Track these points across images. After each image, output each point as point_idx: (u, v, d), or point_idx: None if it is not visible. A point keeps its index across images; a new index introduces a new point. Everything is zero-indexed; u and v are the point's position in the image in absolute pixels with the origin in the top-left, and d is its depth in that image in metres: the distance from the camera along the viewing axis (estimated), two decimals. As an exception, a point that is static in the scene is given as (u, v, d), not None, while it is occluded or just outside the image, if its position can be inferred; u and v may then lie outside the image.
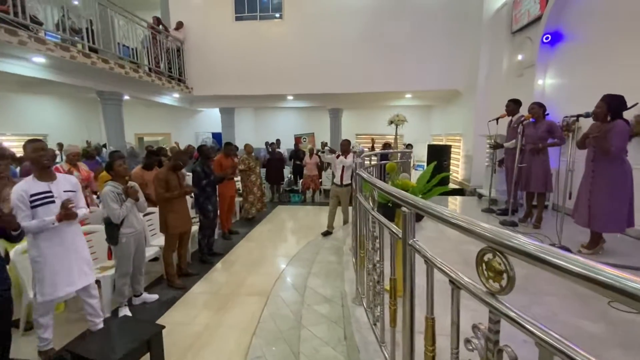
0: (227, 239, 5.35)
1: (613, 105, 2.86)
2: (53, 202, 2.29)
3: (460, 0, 7.52)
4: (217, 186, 4.71)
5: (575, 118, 3.04)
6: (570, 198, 3.20)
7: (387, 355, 1.51)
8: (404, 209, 1.17)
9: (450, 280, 0.89)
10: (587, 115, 2.98)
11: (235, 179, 5.97)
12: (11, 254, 2.74)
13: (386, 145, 7.91)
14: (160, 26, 7.77)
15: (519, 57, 5.87)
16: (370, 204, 1.72)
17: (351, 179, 4.88)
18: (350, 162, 4.97)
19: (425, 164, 8.97)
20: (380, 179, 4.93)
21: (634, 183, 2.95)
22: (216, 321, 2.97)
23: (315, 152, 8.56)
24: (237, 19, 8.71)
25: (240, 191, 6.51)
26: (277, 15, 8.65)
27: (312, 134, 11.54)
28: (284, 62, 8.48)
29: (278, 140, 9.75)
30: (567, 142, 3.54)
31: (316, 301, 2.90)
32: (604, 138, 2.86)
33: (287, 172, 9.36)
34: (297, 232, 5.90)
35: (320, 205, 7.71)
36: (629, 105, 2.86)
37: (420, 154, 9.87)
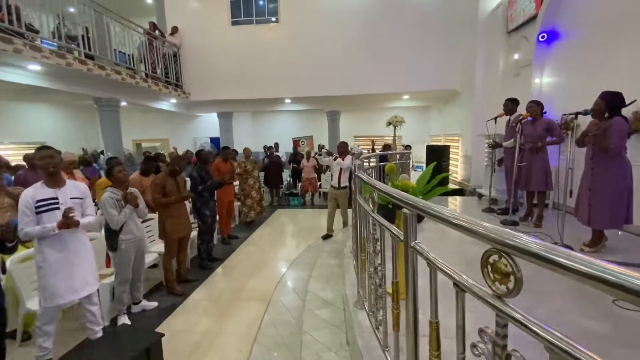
0: (226, 244, 5.31)
1: (611, 102, 2.85)
2: (58, 208, 2.30)
3: (455, 1, 7.55)
4: (215, 191, 4.67)
5: (573, 116, 3.02)
6: (571, 196, 3.18)
7: (390, 360, 1.48)
8: (404, 210, 1.14)
9: (454, 283, 0.86)
10: (585, 113, 2.97)
11: (235, 183, 5.94)
12: (7, 263, 2.70)
13: (386, 147, 7.90)
14: (157, 31, 7.77)
15: (516, 56, 5.88)
16: (370, 206, 1.69)
17: (349, 181, 4.87)
18: (348, 164, 4.95)
19: (424, 164, 8.96)
20: (380, 181, 4.93)
21: (634, 180, 2.93)
22: (216, 328, 2.93)
23: (312, 154, 8.55)
24: (234, 23, 8.73)
25: (239, 195, 6.48)
26: (273, 19, 8.67)
27: (311, 136, 11.54)
28: (281, 66, 8.48)
29: (276, 144, 9.73)
30: (566, 140, 3.52)
31: (317, 305, 2.86)
32: (603, 135, 2.84)
33: (286, 175, 9.34)
34: (297, 235, 5.86)
35: (319, 208, 7.68)
36: (627, 101, 2.85)
37: (418, 154, 9.88)
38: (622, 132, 2.81)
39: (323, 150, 5.92)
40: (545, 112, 3.93)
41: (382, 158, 5.42)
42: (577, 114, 2.99)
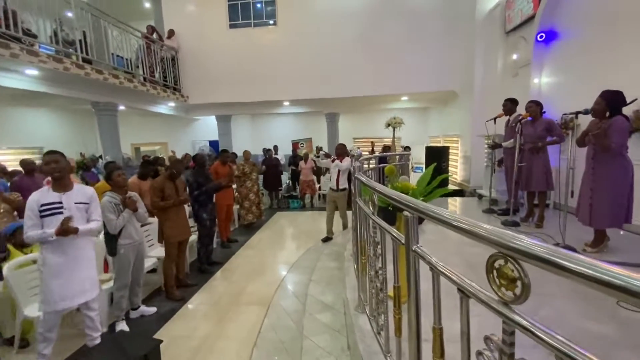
0: (226, 248, 5.28)
1: (612, 101, 2.84)
2: (61, 213, 2.31)
3: (453, 2, 7.56)
4: (213, 194, 4.64)
5: (574, 115, 3.01)
6: (572, 196, 3.16)
7: (392, 366, 1.45)
8: (405, 213, 1.12)
9: (458, 289, 0.84)
10: (586, 112, 2.95)
11: (233, 186, 5.92)
12: (4, 269, 2.68)
13: (386, 148, 7.89)
14: (155, 35, 7.76)
15: (514, 56, 5.88)
16: (371, 208, 1.67)
17: (349, 183, 4.84)
18: (346, 166, 4.92)
19: (423, 165, 8.95)
20: (379, 182, 4.91)
21: (635, 179, 2.91)
22: (216, 333, 2.90)
23: (311, 156, 8.53)
24: (232, 26, 8.73)
25: (237, 198, 6.45)
26: (271, 21, 8.67)
27: (310, 139, 11.52)
28: (279, 68, 8.48)
29: (275, 147, 9.71)
30: (567, 139, 3.51)
31: (318, 309, 2.83)
32: (604, 135, 2.83)
33: (286, 177, 9.31)
34: (297, 238, 5.83)
35: (319, 210, 7.65)
36: (628, 100, 2.84)
37: (418, 155, 9.86)
38: (623, 131, 2.79)
39: (321, 152, 5.89)
40: (544, 112, 3.91)
41: (382, 159, 5.39)
42: (577, 113, 2.98)
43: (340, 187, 4.98)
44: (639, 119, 3.52)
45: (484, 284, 0.80)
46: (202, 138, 12.13)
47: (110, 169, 3.21)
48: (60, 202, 2.32)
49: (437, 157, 7.25)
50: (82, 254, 2.45)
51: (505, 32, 6.14)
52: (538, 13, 4.97)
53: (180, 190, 3.76)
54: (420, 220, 3.08)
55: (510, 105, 4.41)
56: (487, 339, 0.75)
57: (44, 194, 2.31)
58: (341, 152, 5.09)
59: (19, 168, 5.10)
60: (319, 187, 8.46)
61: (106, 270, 3.47)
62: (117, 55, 6.56)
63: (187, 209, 4.46)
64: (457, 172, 8.21)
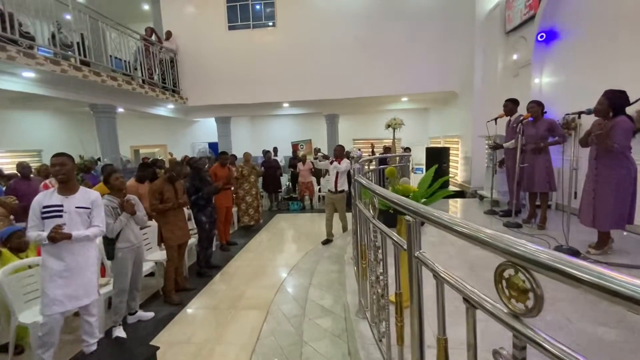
0: (225, 251, 5.23)
1: (615, 100, 2.80)
2: (60, 216, 2.30)
3: (452, 3, 7.54)
4: (212, 197, 4.60)
5: (577, 115, 2.96)
6: (575, 197, 3.11)
7: (395, 375, 1.40)
8: (407, 217, 1.07)
9: (464, 299, 0.79)
10: (589, 112, 2.91)
11: (232, 188, 5.86)
12: (-1, 274, 2.63)
13: (386, 149, 7.84)
14: (154, 37, 7.73)
15: (514, 56, 5.84)
16: (371, 212, 1.62)
17: (349, 185, 4.79)
18: (345, 168, 4.88)
19: (424, 166, 8.90)
20: (380, 184, 4.86)
21: (638, 180, 2.87)
22: (214, 338, 2.85)
23: (310, 158, 8.49)
24: (231, 28, 8.71)
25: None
26: (270, 23, 8.65)
27: (310, 140, 11.48)
28: (278, 70, 8.45)
29: (275, 148, 9.67)
30: (569, 140, 3.47)
31: (318, 314, 2.78)
32: (607, 135, 2.78)
33: (286, 179, 9.27)
34: (297, 241, 5.78)
35: (319, 212, 7.60)
36: (631, 100, 2.79)
37: (418, 156, 9.82)
38: (626, 132, 2.75)
39: (319, 154, 5.84)
40: (546, 112, 3.87)
41: (382, 161, 5.35)
42: (580, 113, 2.93)
43: (339, 189, 4.93)
44: (643, 118, 3.47)
45: (488, 289, 0.75)
46: (202, 140, 12.09)
47: (108, 172, 3.17)
48: (61, 206, 2.31)
49: (438, 158, 7.20)
50: (81, 258, 2.42)
51: (505, 32, 6.11)
52: (538, 13, 4.94)
53: (180, 193, 3.71)
54: (422, 222, 3.00)
55: (511, 105, 4.38)
56: (495, 353, 0.70)
57: (47, 196, 2.32)
58: (339, 153, 5.05)
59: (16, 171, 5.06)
60: (319, 189, 8.41)
61: (103, 274, 3.42)
62: (116, 57, 6.53)
63: (187, 211, 4.42)
64: (457, 173, 8.17)
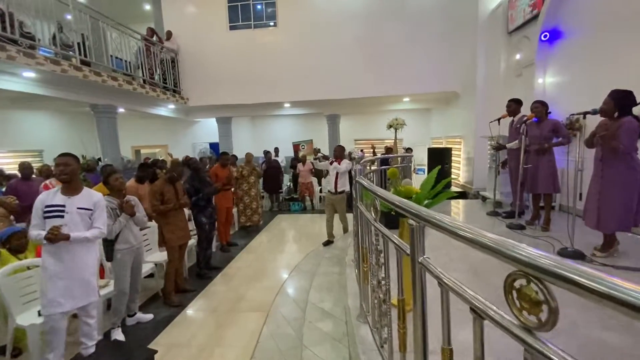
0: (225, 252, 5.20)
1: (621, 101, 2.74)
2: (62, 217, 2.29)
3: (454, 2, 7.48)
4: (212, 197, 4.56)
5: (582, 116, 2.91)
6: (580, 199, 3.06)
7: (397, 382, 1.36)
8: (411, 221, 1.03)
9: (471, 309, 0.75)
10: (594, 112, 2.86)
11: (232, 189, 5.83)
12: (-4, 276, 2.60)
13: (388, 150, 7.79)
14: (155, 37, 7.71)
15: (517, 56, 5.79)
16: (372, 214, 1.58)
17: (350, 186, 4.75)
18: (344, 168, 4.83)
19: (425, 167, 8.85)
20: (381, 185, 4.81)
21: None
22: (213, 341, 2.81)
23: (310, 159, 8.46)
24: (232, 28, 8.68)
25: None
26: (272, 23, 8.62)
27: (311, 140, 11.44)
28: (279, 70, 8.41)
29: (276, 149, 9.64)
30: (574, 140, 3.41)
31: (318, 317, 2.73)
32: (612, 136, 2.73)
33: (287, 180, 9.23)
34: (297, 241, 5.74)
35: (320, 212, 7.56)
36: (638, 100, 2.74)
37: (420, 157, 9.76)
38: (632, 132, 2.70)
39: (319, 154, 5.79)
40: (550, 113, 3.82)
41: (384, 162, 5.30)
42: (585, 113, 2.88)
43: (339, 189, 4.89)
44: (649, 119, 3.41)
45: (495, 297, 0.71)
46: (203, 140, 12.07)
47: (107, 173, 3.15)
48: (63, 206, 2.31)
49: (440, 158, 7.14)
50: (80, 259, 2.40)
51: (508, 31, 6.06)
52: (542, 12, 4.88)
53: (180, 194, 3.69)
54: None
55: (514, 105, 4.32)
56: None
57: (50, 196, 2.32)
58: (339, 154, 5.00)
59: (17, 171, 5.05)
60: (320, 190, 8.37)
61: (102, 276, 3.39)
62: (116, 57, 6.51)
63: (187, 212, 4.39)
64: (459, 173, 8.11)
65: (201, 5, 8.66)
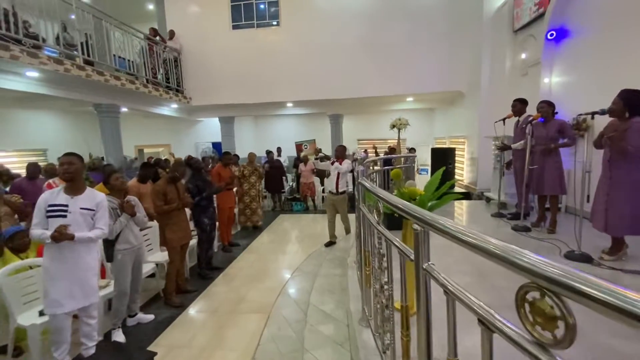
0: (227, 252, 5.18)
1: (631, 101, 2.68)
2: (65, 216, 2.29)
3: (459, 1, 7.41)
4: (213, 197, 4.54)
5: (590, 116, 2.85)
6: (588, 201, 3.00)
7: (400, 390, 1.32)
8: (415, 226, 0.99)
9: (479, 320, 0.71)
10: (602, 113, 2.80)
11: (234, 189, 5.81)
12: (-3, 275, 2.59)
13: (391, 150, 7.73)
14: (157, 37, 7.71)
15: (523, 55, 5.71)
16: (375, 217, 1.54)
17: (353, 186, 4.70)
18: (346, 169, 4.79)
19: (429, 167, 8.78)
20: (384, 187, 4.76)
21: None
22: (214, 343, 2.79)
23: (311, 160, 8.42)
24: (234, 27, 8.66)
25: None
26: (274, 22, 8.59)
27: (314, 140, 11.40)
28: (282, 69, 8.38)
29: (279, 148, 9.61)
30: (582, 141, 3.35)
31: (320, 320, 2.70)
32: (621, 137, 2.67)
33: (290, 179, 9.20)
34: (300, 242, 5.71)
35: (322, 213, 7.52)
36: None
37: (423, 157, 9.70)
38: (642, 133, 2.63)
39: (320, 154, 5.74)
40: (557, 113, 3.75)
41: (387, 162, 5.25)
42: (593, 113, 2.82)
43: (340, 190, 4.84)
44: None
45: (500, 298, 0.67)
46: (205, 140, 12.07)
47: (108, 172, 3.13)
48: (66, 206, 2.31)
49: (443, 158, 7.08)
50: (81, 260, 2.40)
51: (513, 30, 5.98)
52: (548, 10, 4.81)
53: (182, 193, 3.67)
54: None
55: (519, 105, 4.26)
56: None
57: (54, 195, 2.32)
58: (340, 154, 4.95)
59: (23, 171, 5.05)
60: (323, 190, 8.34)
61: (103, 276, 3.38)
62: (119, 57, 6.51)
63: (188, 212, 4.37)
64: (463, 174, 8.04)
65: (204, 4, 8.65)
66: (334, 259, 4.24)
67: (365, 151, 9.90)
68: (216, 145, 11.46)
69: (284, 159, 9.75)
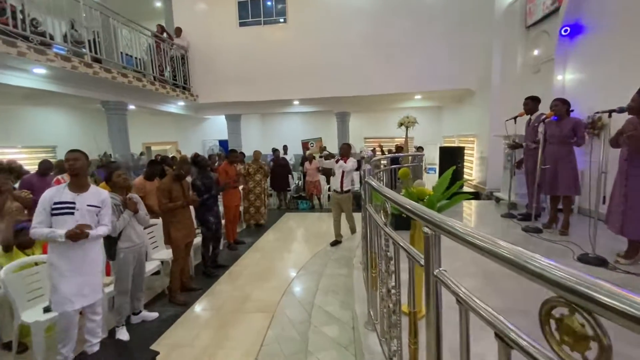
0: (232, 250, 5.16)
1: (651, 98, 2.57)
2: (72, 214, 2.29)
3: (469, -4, 7.26)
4: (218, 196, 4.52)
5: (607, 114, 2.74)
6: (604, 202, 2.89)
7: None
8: (425, 229, 0.93)
9: (496, 334, 0.65)
10: (620, 111, 2.68)
11: (240, 187, 5.79)
12: (1, 273, 2.59)
13: (398, 149, 7.64)
14: (165, 34, 7.72)
15: (535, 52, 5.56)
16: (382, 218, 1.48)
17: (360, 185, 4.63)
18: (350, 167, 4.71)
19: (437, 166, 8.66)
20: (391, 186, 4.68)
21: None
22: (217, 342, 2.76)
23: (317, 157, 8.37)
24: (241, 24, 8.62)
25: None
26: (281, 19, 8.53)
27: (320, 138, 11.35)
28: (289, 67, 8.32)
29: (285, 147, 9.57)
30: (599, 141, 3.22)
31: (324, 322, 2.65)
32: (640, 135, 2.56)
33: (296, 178, 9.16)
34: (305, 241, 5.67)
35: (328, 211, 7.47)
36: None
37: (431, 156, 9.57)
38: (662, 132, 2.52)
39: (324, 152, 5.68)
40: (572, 111, 3.63)
41: (394, 160, 5.16)
42: (611, 111, 2.71)
43: (345, 188, 4.77)
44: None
45: (512, 303, 0.61)
46: (212, 137, 12.10)
47: (111, 170, 3.12)
48: (74, 203, 2.31)
49: (452, 158, 6.96)
50: (88, 257, 2.41)
51: (525, 26, 5.83)
52: (563, 5, 4.66)
53: (187, 191, 3.65)
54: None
55: (532, 104, 4.14)
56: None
57: (59, 192, 2.30)
58: (345, 152, 4.88)
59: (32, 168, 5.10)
60: (329, 188, 8.28)
61: (108, 273, 3.38)
62: (127, 54, 6.53)
63: (192, 210, 4.35)
64: (472, 173, 7.90)
65: (211, 1, 8.63)
66: (339, 258, 4.18)
67: (373, 150, 9.80)
68: (223, 143, 11.48)
69: (290, 157, 9.70)
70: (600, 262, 2.77)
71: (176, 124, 11.73)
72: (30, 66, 4.68)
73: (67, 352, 2.37)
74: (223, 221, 5.04)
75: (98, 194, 2.48)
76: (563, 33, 4.72)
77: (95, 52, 5.52)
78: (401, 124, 6.21)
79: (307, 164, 8.03)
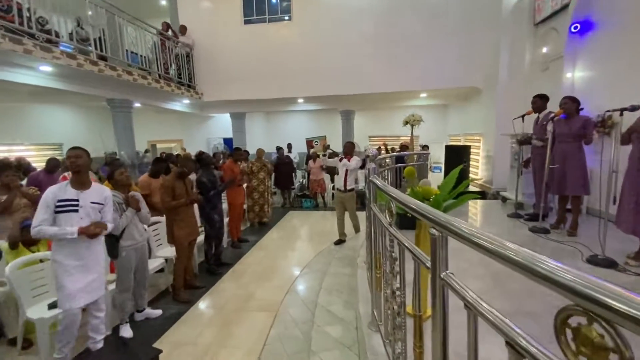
0: (236, 248, 5.16)
1: (664, 96, 2.50)
2: (76, 211, 2.30)
3: (476, -7, 7.16)
4: (222, 194, 4.51)
5: (618, 112, 2.68)
6: (614, 203, 2.83)
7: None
8: (432, 231, 0.90)
9: (507, 343, 0.62)
10: (632, 109, 2.62)
11: (244, 185, 5.78)
12: (6, 269, 2.61)
13: (403, 147, 7.57)
14: (170, 32, 7.72)
15: (544, 49, 5.47)
16: (387, 217, 1.45)
17: (365, 183, 4.59)
18: (354, 166, 4.67)
19: (442, 165, 8.57)
20: (396, 185, 4.64)
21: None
22: (220, 340, 2.75)
23: (321, 155, 8.33)
24: (246, 22, 8.60)
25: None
26: (286, 17, 8.48)
27: (324, 136, 11.30)
28: (294, 64, 8.29)
29: (289, 145, 9.55)
30: (610, 139, 3.15)
31: (327, 321, 2.63)
32: (653, 134, 2.50)
33: (300, 176, 9.14)
34: (308, 239, 5.65)
35: (332, 210, 7.45)
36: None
37: (436, 155, 9.49)
38: (676, 131, 2.46)
39: (328, 150, 5.63)
40: (582, 109, 3.55)
41: (399, 159, 5.11)
42: (622, 110, 2.65)
43: (348, 187, 4.73)
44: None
45: (519, 304, 0.57)
46: (217, 135, 12.12)
47: (113, 167, 3.12)
48: (77, 200, 2.31)
49: (457, 156, 6.88)
50: (93, 254, 2.43)
51: (534, 23, 5.73)
52: (572, 2, 4.57)
53: (190, 189, 3.64)
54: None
55: (540, 102, 4.07)
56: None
57: (62, 190, 2.30)
58: (349, 150, 4.84)
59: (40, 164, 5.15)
60: (333, 187, 8.26)
61: (113, 270, 3.39)
62: (132, 52, 6.55)
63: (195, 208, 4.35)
64: (478, 172, 7.82)
65: (216, -1, 8.62)
66: (343, 257, 4.16)
67: (379, 148, 9.75)
68: (227, 141, 11.50)
69: (295, 155, 9.68)
70: (610, 264, 2.71)
71: (181, 121, 11.77)
72: (37, 64, 4.71)
73: (68, 351, 2.38)
74: (226, 219, 5.04)
75: (101, 191, 2.49)
76: (573, 30, 4.63)
77: (101, 50, 5.54)
78: (406, 123, 6.16)
79: (311, 162, 8.00)
